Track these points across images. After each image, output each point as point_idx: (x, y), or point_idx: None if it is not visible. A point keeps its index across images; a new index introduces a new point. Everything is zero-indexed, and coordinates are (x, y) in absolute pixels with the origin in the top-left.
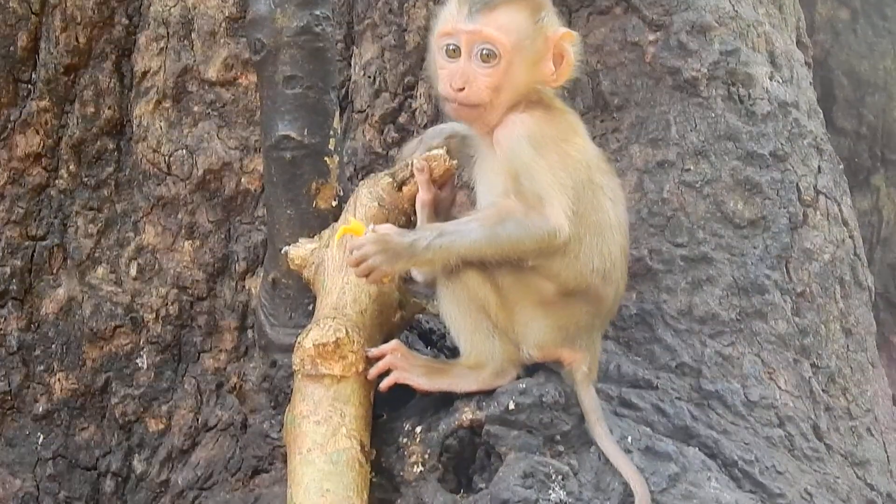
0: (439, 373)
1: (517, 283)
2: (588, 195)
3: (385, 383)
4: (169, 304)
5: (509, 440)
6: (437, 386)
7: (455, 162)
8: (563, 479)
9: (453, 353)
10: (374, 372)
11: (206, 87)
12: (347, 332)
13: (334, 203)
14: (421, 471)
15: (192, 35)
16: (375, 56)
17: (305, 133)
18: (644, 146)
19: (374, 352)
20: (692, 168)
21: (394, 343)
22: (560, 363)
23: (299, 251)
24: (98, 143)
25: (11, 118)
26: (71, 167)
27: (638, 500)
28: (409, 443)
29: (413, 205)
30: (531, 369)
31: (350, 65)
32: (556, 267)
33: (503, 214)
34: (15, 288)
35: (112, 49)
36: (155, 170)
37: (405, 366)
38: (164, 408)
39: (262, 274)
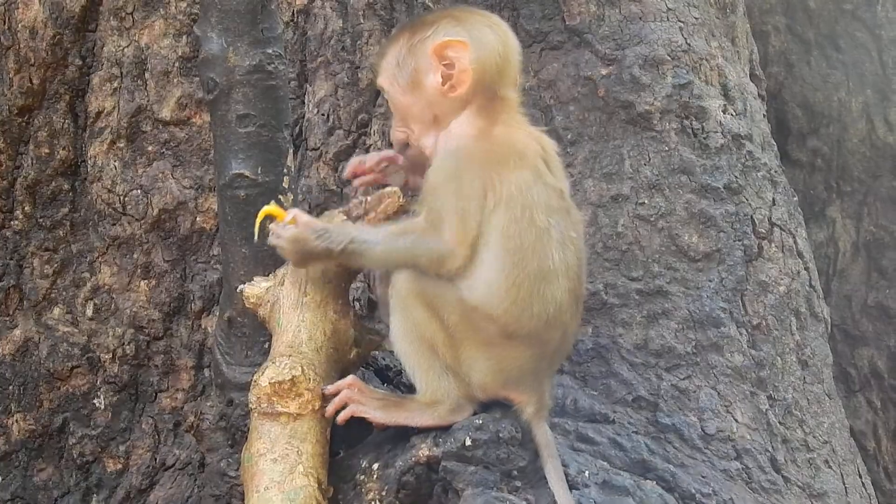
0: (396, 407)
1: (462, 323)
2: (527, 238)
3: (342, 416)
4: (125, 343)
5: (466, 476)
6: (394, 420)
7: (407, 200)
8: None
9: (410, 389)
10: (331, 408)
11: (160, 127)
12: (303, 370)
13: None
14: None
15: (146, 75)
16: (329, 94)
17: (259, 171)
18: (598, 180)
19: (330, 388)
20: (646, 202)
21: (350, 378)
22: (509, 401)
23: (254, 289)
24: (53, 183)
25: None
26: (26, 208)
27: None
28: (366, 480)
29: None
30: (487, 404)
31: (303, 103)
32: (495, 310)
33: (407, 229)
34: None
35: (66, 90)
36: (110, 210)
37: (362, 399)
38: (122, 448)
39: (217, 313)
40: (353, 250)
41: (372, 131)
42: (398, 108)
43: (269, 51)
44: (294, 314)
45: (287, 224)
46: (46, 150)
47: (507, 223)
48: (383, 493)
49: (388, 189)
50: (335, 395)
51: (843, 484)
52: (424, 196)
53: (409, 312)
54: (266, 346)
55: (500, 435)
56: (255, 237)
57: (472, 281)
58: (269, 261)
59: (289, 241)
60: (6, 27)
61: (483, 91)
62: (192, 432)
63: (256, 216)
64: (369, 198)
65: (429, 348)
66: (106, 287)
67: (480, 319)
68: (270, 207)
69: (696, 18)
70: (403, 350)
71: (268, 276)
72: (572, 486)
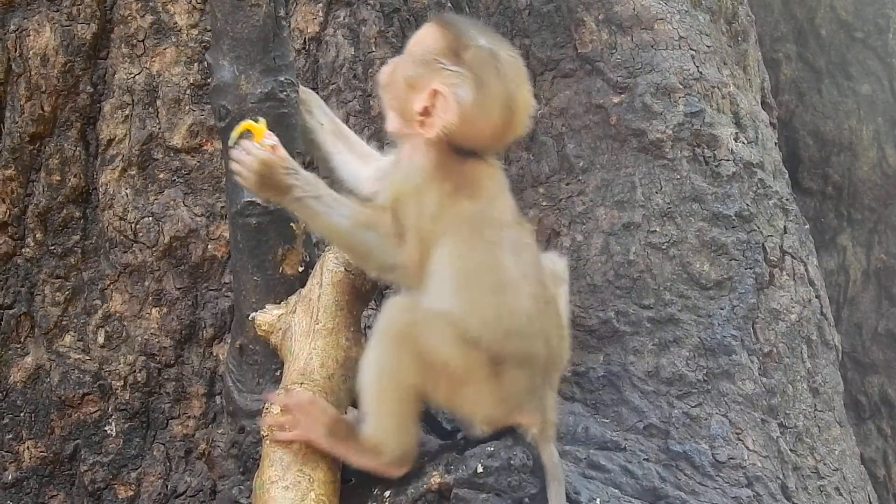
0: (341, 440)
1: (455, 366)
2: (476, 257)
3: (285, 437)
4: (137, 371)
5: (478, 503)
6: (335, 450)
7: None
8: None
9: (422, 417)
10: (269, 420)
11: (172, 155)
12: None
13: (301, 269)
14: None
15: (157, 102)
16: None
17: (270, 200)
18: (610, 208)
19: (274, 398)
20: (658, 230)
21: (308, 396)
22: (515, 426)
23: (266, 317)
24: (64, 211)
25: None
26: (37, 235)
27: None
28: None
29: None
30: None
31: None
32: (473, 333)
33: (373, 223)
34: None
35: (77, 117)
36: (121, 237)
37: (309, 423)
38: (133, 475)
39: (229, 340)
40: (313, 206)
41: None
42: (390, 90)
43: (281, 78)
44: (306, 342)
45: (262, 146)
46: (58, 178)
47: (457, 246)
48: None
49: None
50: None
51: None
52: (392, 192)
53: (396, 354)
54: (277, 373)
55: (512, 462)
56: (230, 142)
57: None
58: (280, 288)
59: (259, 160)
60: (17, 54)
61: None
62: (204, 459)
63: (233, 130)
64: None
65: (398, 395)
66: (117, 314)
67: (467, 352)
68: (254, 124)
69: (707, 47)
70: (369, 386)
71: (279, 303)
72: None
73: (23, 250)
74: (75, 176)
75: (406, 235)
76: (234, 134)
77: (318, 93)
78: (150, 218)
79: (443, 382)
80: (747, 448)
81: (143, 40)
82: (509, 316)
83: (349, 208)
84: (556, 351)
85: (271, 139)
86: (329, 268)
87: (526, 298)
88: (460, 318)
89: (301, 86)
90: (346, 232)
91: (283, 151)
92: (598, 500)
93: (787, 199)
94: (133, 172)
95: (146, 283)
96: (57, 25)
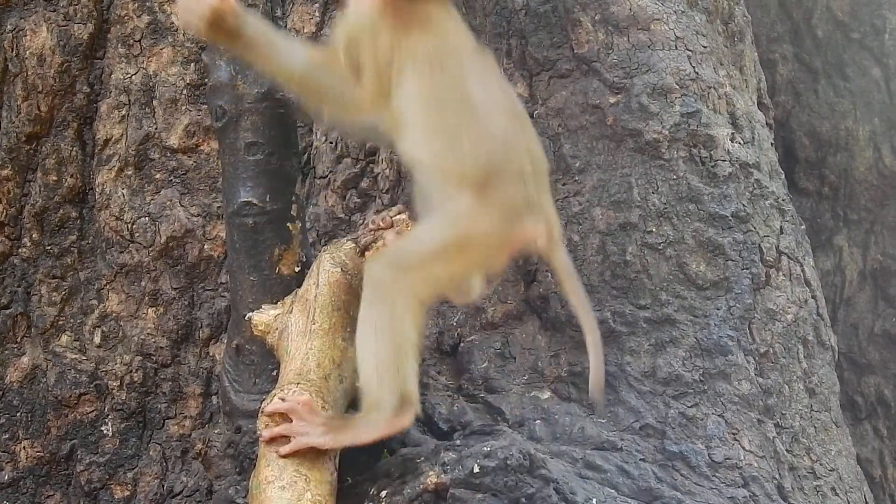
0: (340, 429)
1: (447, 267)
2: (443, 91)
3: (284, 450)
4: (133, 371)
5: (474, 503)
6: (341, 442)
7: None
8: None
9: (418, 417)
10: (267, 434)
11: (168, 155)
12: (311, 398)
13: (297, 269)
14: None
15: (154, 102)
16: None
17: (267, 199)
18: (606, 209)
19: (269, 409)
20: (654, 230)
21: (305, 398)
22: (525, 243)
23: (262, 317)
24: (61, 211)
25: None
26: (34, 235)
27: (593, 369)
28: None
29: None
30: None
31: (311, 131)
32: (449, 164)
33: (328, 62)
34: None
35: (74, 117)
36: (118, 237)
37: (304, 429)
38: (130, 475)
39: (225, 340)
40: (265, 51)
41: (380, 159)
42: None
43: None
44: (302, 342)
45: None
46: (54, 178)
47: (421, 83)
48: None
49: (398, 216)
50: (277, 414)
51: None
52: (343, 34)
53: (390, 303)
54: (274, 373)
55: (508, 462)
56: None
57: (408, 146)
58: (277, 289)
59: (208, 7)
60: (14, 54)
61: None
62: (200, 459)
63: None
64: (379, 219)
65: (393, 347)
66: (114, 314)
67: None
68: None
69: (704, 47)
70: (365, 346)
71: (276, 303)
72: None
73: (19, 250)
74: (72, 176)
75: (361, 72)
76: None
77: None
78: (147, 218)
79: (453, 262)
80: (743, 448)
81: (139, 40)
82: (490, 139)
83: (302, 50)
84: (540, 160)
85: None
86: (325, 268)
87: (501, 117)
88: (430, 234)
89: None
90: (301, 73)
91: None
92: (594, 500)
93: (783, 200)
94: (129, 172)
95: (143, 283)
96: (54, 25)
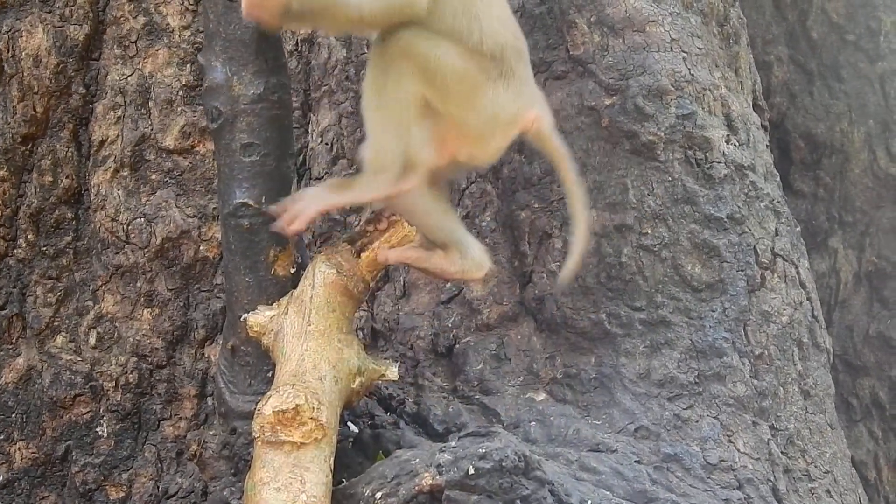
0: (344, 187)
1: (460, 74)
2: None
3: (295, 228)
4: (128, 372)
5: None
6: (345, 199)
7: (413, 229)
8: None
9: (414, 419)
10: (283, 224)
11: (164, 156)
12: (307, 399)
13: (293, 270)
14: None
15: (150, 103)
16: (333, 123)
17: (263, 200)
18: (602, 210)
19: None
20: (650, 232)
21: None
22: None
23: (258, 318)
24: (56, 212)
25: None
26: (29, 236)
27: (573, 255)
28: None
29: (372, 271)
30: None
31: (307, 132)
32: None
33: None
34: None
35: (69, 118)
36: (113, 238)
37: (312, 204)
38: (125, 476)
39: (221, 341)
40: (320, 3)
41: None
42: None
43: (274, 80)
44: (298, 343)
45: None
46: (50, 179)
47: None
48: None
49: (393, 217)
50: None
51: None
52: None
53: (400, 71)
54: (269, 375)
55: (504, 464)
56: None
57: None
58: (272, 290)
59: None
60: (10, 55)
61: None
62: (195, 461)
63: None
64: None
65: (400, 106)
66: (109, 315)
67: (477, 63)
68: None
69: (699, 49)
70: (372, 101)
71: (271, 304)
72: None
73: (15, 251)
74: (67, 177)
75: None
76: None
77: (309, 94)
78: (143, 219)
79: (453, 93)
80: (738, 450)
81: (135, 41)
82: (498, 21)
83: None
84: (525, 46)
85: None
86: (321, 269)
87: (498, 5)
88: (464, 32)
89: None
90: (359, 4)
91: None
92: (589, 501)
93: (778, 202)
94: (125, 173)
95: (138, 284)
96: (49, 26)
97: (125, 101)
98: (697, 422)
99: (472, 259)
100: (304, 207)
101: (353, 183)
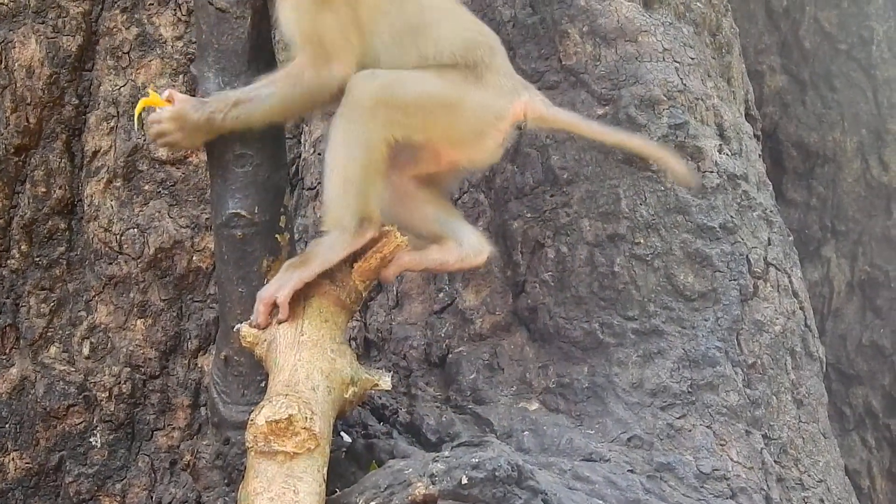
0: (306, 262)
1: (438, 98)
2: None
3: (283, 313)
4: (122, 382)
5: None
6: (313, 270)
7: (406, 238)
8: None
9: (407, 429)
10: (263, 319)
11: (157, 166)
12: (300, 409)
13: None
14: None
15: (143, 114)
16: (325, 133)
17: (256, 211)
18: (594, 220)
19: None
20: (642, 241)
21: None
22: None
23: (251, 329)
24: (49, 222)
25: None
26: (22, 247)
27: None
28: None
29: (364, 281)
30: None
31: (300, 142)
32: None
33: (296, 70)
34: None
35: (62, 129)
36: (106, 249)
37: (277, 287)
38: (119, 486)
39: (214, 352)
40: (236, 115)
41: None
42: None
43: None
44: (291, 353)
45: (164, 107)
46: (43, 190)
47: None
48: None
49: (386, 228)
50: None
51: None
52: (298, 31)
53: (365, 127)
54: (263, 385)
55: (497, 474)
56: (136, 128)
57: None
58: None
59: (169, 120)
60: (3, 66)
61: None
62: (189, 471)
63: (136, 107)
64: None
65: (364, 162)
66: (102, 326)
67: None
68: (146, 99)
69: (691, 59)
70: (335, 161)
71: None
72: None
73: (8, 262)
74: (60, 188)
75: (333, 49)
76: (136, 120)
77: None
78: (136, 229)
79: (428, 117)
80: (731, 459)
81: (128, 52)
82: (459, 24)
83: (267, 85)
84: (495, 38)
85: (165, 93)
86: (314, 279)
87: (455, 9)
88: (413, 52)
89: None
90: (282, 101)
91: (180, 95)
92: None
93: (771, 211)
94: (118, 184)
95: (131, 295)
96: (42, 37)
97: (118, 112)
98: (690, 431)
99: (470, 245)
100: (274, 292)
101: (314, 253)
